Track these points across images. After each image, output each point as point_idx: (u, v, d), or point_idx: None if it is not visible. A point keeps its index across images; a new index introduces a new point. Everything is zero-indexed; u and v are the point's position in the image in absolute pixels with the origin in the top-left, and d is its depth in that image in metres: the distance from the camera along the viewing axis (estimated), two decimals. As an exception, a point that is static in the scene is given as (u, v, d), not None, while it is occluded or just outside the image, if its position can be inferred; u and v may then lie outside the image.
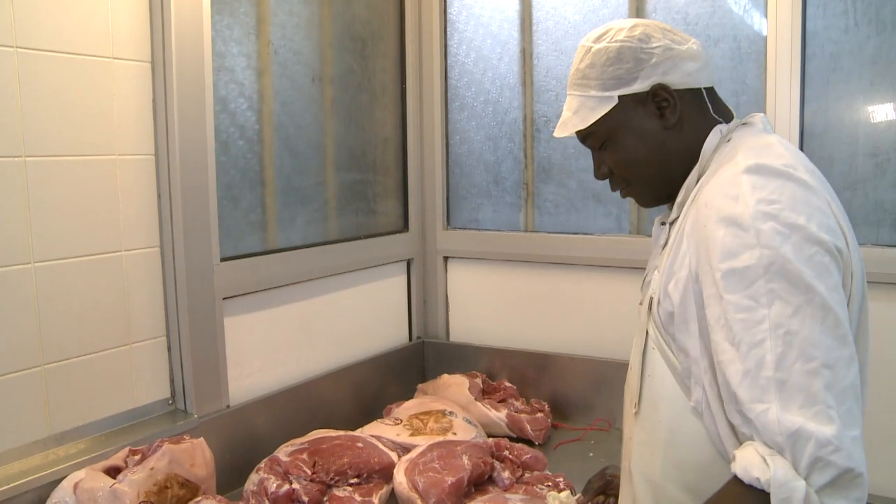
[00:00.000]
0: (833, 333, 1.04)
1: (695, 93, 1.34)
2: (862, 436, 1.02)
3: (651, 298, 1.31)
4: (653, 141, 1.34)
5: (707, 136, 1.32)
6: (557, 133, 1.42)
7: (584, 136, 1.40)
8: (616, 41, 1.33)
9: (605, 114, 1.33)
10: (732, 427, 1.12)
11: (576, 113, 1.37)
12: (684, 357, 1.22)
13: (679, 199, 1.33)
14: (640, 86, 1.32)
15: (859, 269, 1.19)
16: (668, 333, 1.26)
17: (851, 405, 1.02)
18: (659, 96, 1.32)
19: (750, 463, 1.02)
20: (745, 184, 1.13)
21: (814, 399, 1.01)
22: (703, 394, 1.18)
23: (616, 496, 1.65)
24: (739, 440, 1.10)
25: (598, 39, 1.36)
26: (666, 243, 1.34)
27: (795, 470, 0.99)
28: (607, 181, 1.45)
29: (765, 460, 1.00)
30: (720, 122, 1.34)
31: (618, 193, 1.45)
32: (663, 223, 1.39)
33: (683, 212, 1.29)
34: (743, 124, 1.34)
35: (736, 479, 1.04)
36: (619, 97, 1.33)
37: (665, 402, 1.27)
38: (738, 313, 1.07)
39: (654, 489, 1.29)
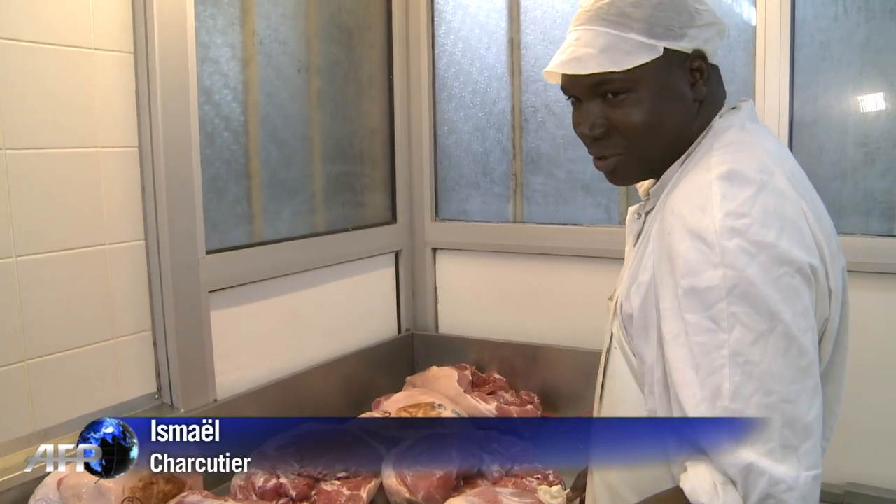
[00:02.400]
0: (796, 365, 0.99)
1: (717, 71, 1.23)
2: (821, 473, 0.99)
3: (617, 297, 1.25)
4: (678, 109, 1.19)
5: (711, 120, 1.21)
6: (569, 68, 1.19)
7: (600, 81, 1.18)
8: None
9: (644, 63, 1.15)
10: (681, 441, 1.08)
11: (604, 52, 1.15)
12: (640, 363, 1.18)
13: (655, 187, 1.23)
14: (686, 44, 1.16)
15: (840, 282, 1.14)
16: (628, 335, 1.20)
17: (816, 442, 0.99)
18: (697, 63, 1.18)
19: (700, 485, 0.99)
20: (715, 193, 1.06)
21: (769, 436, 0.97)
22: (655, 404, 1.13)
23: None
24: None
25: None
26: (639, 237, 1.26)
27: (745, 502, 0.96)
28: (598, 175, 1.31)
29: (716, 488, 0.97)
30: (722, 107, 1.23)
31: (607, 184, 1.36)
32: (638, 214, 1.30)
33: (658, 205, 1.20)
34: (731, 108, 1.24)
35: (680, 494, 1.01)
36: (664, 49, 1.15)
37: (625, 405, 1.23)
38: (698, 335, 1.02)
39: (612, 493, 1.26)
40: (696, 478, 0.99)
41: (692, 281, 1.03)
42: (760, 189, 1.06)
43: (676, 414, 1.05)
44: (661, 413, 1.11)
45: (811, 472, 0.97)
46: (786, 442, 0.96)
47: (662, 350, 1.09)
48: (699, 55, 1.18)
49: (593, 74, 1.16)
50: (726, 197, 1.05)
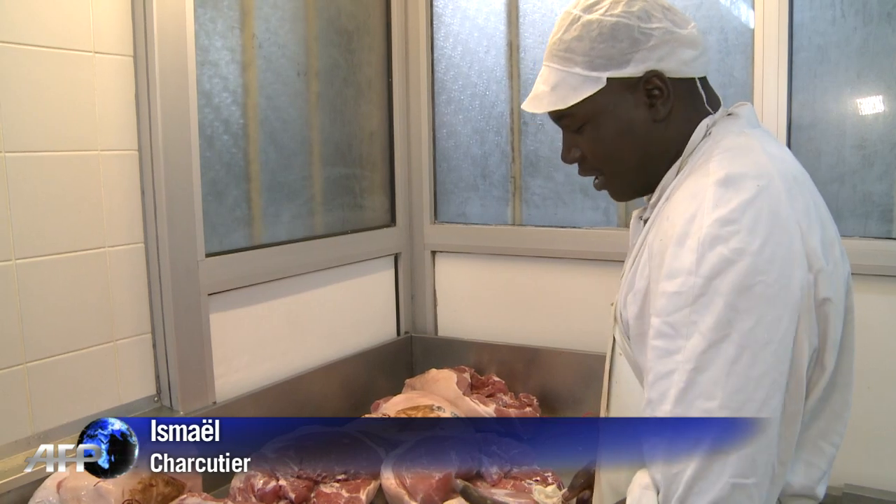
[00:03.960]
0: (745, 374, 0.98)
1: (689, 83, 1.23)
2: (761, 483, 0.98)
3: (617, 303, 1.25)
4: (637, 133, 1.22)
5: (694, 130, 1.21)
6: (528, 107, 1.27)
7: (560, 115, 1.26)
8: (611, 15, 1.19)
9: (589, 96, 1.20)
10: None
11: (554, 89, 1.23)
12: (638, 371, 1.18)
13: (654, 198, 1.24)
14: (632, 70, 1.19)
15: (842, 289, 1.12)
16: (629, 342, 1.20)
17: (753, 450, 0.98)
18: (652, 84, 1.19)
19: (636, 484, 1.01)
20: (709, 199, 1.06)
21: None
22: None
23: None
24: None
25: (588, 9, 1.21)
26: (640, 242, 1.25)
27: None
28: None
29: (638, 490, 0.99)
30: (710, 114, 1.23)
31: None
32: (640, 218, 1.31)
33: (655, 213, 1.20)
34: (728, 115, 1.24)
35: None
36: (608, 79, 1.19)
37: (631, 410, 1.22)
38: (657, 339, 1.03)
39: (618, 496, 1.24)
40: (634, 481, 1.02)
41: (666, 286, 1.04)
42: (756, 195, 1.05)
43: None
44: None
45: (734, 479, 0.96)
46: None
47: None
48: (654, 75, 1.19)
49: (555, 111, 1.24)
50: (719, 203, 1.05)
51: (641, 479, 1.01)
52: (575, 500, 1.68)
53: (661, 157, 1.24)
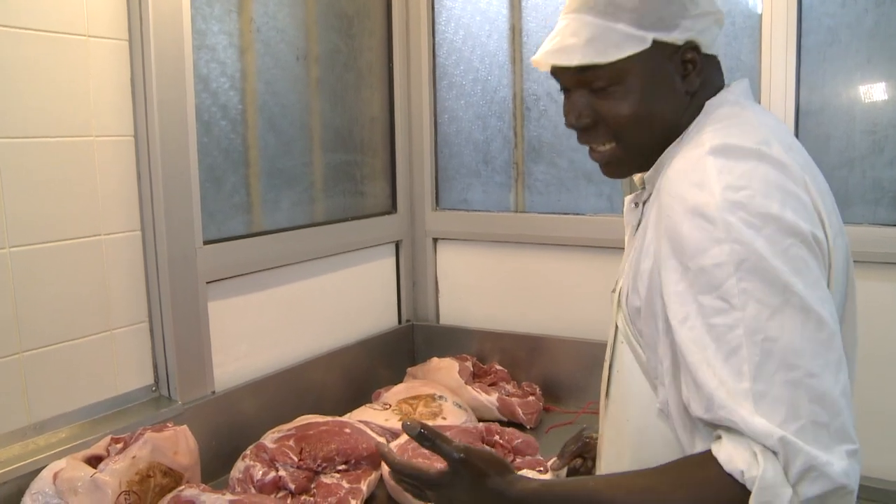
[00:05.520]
0: (816, 338, 0.93)
1: (715, 60, 1.21)
2: (859, 448, 0.92)
3: (620, 290, 1.22)
4: (668, 102, 1.18)
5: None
6: (555, 59, 1.19)
7: (584, 72, 1.18)
8: None
9: (631, 55, 1.13)
10: (694, 432, 1.03)
11: (590, 42, 1.14)
12: (652, 354, 1.13)
13: (650, 173, 1.22)
14: (677, 36, 1.14)
15: (843, 257, 1.10)
16: (636, 328, 1.17)
17: (846, 416, 0.92)
18: (689, 55, 1.16)
19: (738, 454, 0.91)
20: (711, 168, 1.02)
21: (797, 413, 0.90)
22: (666, 394, 1.09)
23: (593, 459, 1.59)
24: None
25: None
26: (639, 226, 1.23)
27: (785, 474, 0.89)
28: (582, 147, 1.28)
29: (756, 456, 0.90)
30: None
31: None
32: (636, 204, 1.28)
33: (654, 191, 1.17)
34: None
35: (711, 461, 0.94)
36: (654, 41, 1.13)
37: (633, 400, 1.19)
38: (711, 317, 0.96)
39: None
40: (733, 447, 0.92)
41: (699, 261, 0.99)
42: (759, 160, 1.02)
43: (693, 398, 0.99)
44: (673, 405, 1.07)
45: (845, 446, 0.91)
46: (816, 418, 0.91)
47: (670, 338, 1.04)
48: (692, 46, 1.16)
49: (579, 65, 1.16)
50: (722, 171, 1.02)
51: (745, 442, 0.92)
52: (565, 469, 1.65)
53: (677, 130, 1.20)
